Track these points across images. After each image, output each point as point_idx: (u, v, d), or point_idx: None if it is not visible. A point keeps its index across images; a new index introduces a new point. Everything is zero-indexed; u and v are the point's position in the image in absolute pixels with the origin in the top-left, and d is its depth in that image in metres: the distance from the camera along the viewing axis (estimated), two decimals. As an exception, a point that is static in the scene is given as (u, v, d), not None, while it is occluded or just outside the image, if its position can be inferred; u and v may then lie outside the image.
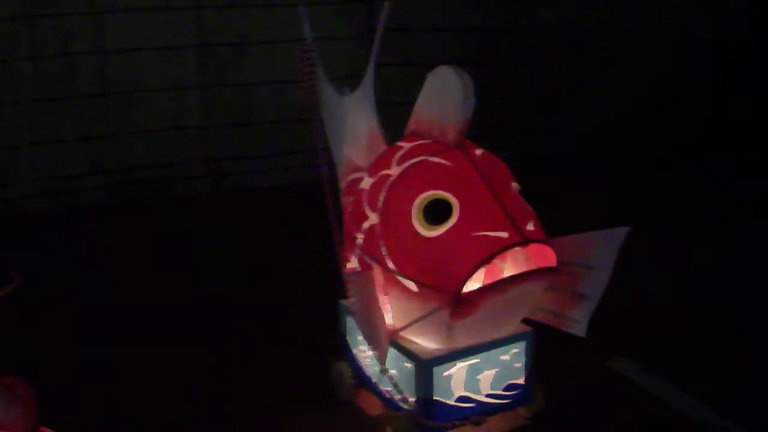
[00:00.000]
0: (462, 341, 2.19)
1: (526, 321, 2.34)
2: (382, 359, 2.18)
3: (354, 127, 2.45)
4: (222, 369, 2.79)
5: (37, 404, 1.77)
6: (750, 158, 5.26)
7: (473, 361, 2.23)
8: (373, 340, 2.16)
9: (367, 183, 2.32)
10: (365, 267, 2.25)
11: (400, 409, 2.27)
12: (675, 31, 5.51)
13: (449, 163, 2.17)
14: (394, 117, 2.54)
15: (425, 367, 2.16)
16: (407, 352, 2.22)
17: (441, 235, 2.08)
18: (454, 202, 2.09)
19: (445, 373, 2.20)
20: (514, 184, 2.22)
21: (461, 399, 2.25)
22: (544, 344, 2.35)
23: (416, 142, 2.29)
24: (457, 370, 2.21)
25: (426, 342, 2.21)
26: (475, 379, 2.25)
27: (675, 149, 5.40)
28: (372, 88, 2.48)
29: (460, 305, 2.04)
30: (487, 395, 2.29)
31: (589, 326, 2.24)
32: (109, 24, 4.54)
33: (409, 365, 2.22)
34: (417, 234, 2.11)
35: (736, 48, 5.66)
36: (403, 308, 2.19)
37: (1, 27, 4.31)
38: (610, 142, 5.36)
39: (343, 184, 2.49)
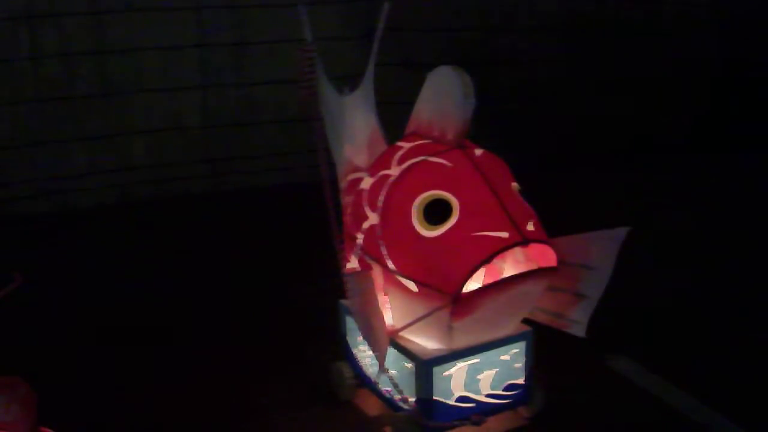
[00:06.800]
0: (462, 341, 2.19)
1: (526, 321, 2.34)
2: (381, 360, 2.18)
3: (354, 127, 2.45)
4: (221, 369, 2.79)
5: (37, 404, 1.77)
6: (750, 157, 5.26)
7: (473, 361, 2.23)
8: (371, 341, 2.16)
9: (367, 183, 2.32)
10: (365, 267, 2.25)
11: (400, 409, 2.28)
12: (675, 29, 5.51)
13: (449, 163, 2.17)
14: (394, 117, 2.54)
15: (425, 367, 2.17)
16: (407, 352, 2.22)
17: (441, 235, 2.08)
18: (454, 202, 2.10)
19: (445, 373, 2.20)
20: (514, 184, 2.22)
21: (461, 399, 2.25)
22: (544, 344, 2.36)
23: (416, 142, 2.29)
24: (457, 370, 2.21)
25: (426, 342, 2.22)
26: (475, 379, 2.25)
27: (675, 148, 5.40)
28: (372, 88, 2.48)
29: (460, 305, 2.04)
30: (487, 395, 2.29)
31: (589, 326, 2.24)
32: (109, 24, 4.54)
33: (409, 365, 2.22)
34: (417, 234, 2.11)
35: (737, 46, 5.65)
36: (403, 308, 2.19)
37: (1, 27, 4.31)
38: (610, 141, 5.36)
39: (343, 184, 2.49)
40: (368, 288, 2.17)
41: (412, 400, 2.23)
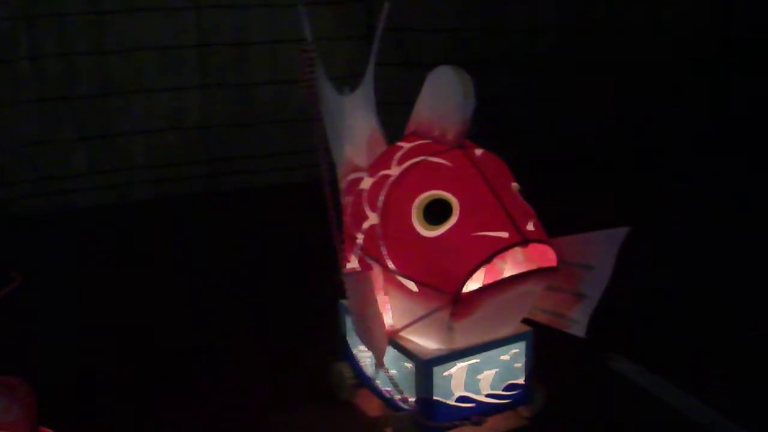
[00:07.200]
0: (462, 341, 2.19)
1: (526, 321, 2.34)
2: (378, 361, 2.17)
3: (354, 127, 2.45)
4: (221, 369, 2.79)
5: (37, 404, 1.77)
6: (751, 155, 5.26)
7: (473, 361, 2.23)
8: (368, 342, 2.16)
9: (367, 183, 2.32)
10: (365, 267, 2.25)
11: (400, 409, 2.28)
12: (675, 28, 5.51)
13: (449, 163, 2.17)
14: (394, 117, 2.54)
15: (425, 367, 2.16)
16: (407, 352, 2.22)
17: (441, 235, 2.08)
18: (454, 202, 2.10)
19: (445, 373, 2.20)
20: (514, 184, 2.22)
21: (461, 399, 2.25)
22: (544, 344, 2.36)
23: (416, 142, 2.29)
24: (457, 370, 2.21)
25: (426, 342, 2.21)
26: (475, 379, 2.25)
27: (674, 147, 5.40)
28: (372, 88, 2.48)
29: (460, 305, 2.04)
30: (487, 395, 2.29)
31: (589, 326, 2.24)
32: (109, 24, 4.54)
33: (409, 365, 2.22)
34: (417, 234, 2.11)
35: (737, 44, 5.66)
36: (403, 308, 2.19)
37: (1, 27, 4.31)
38: (610, 141, 5.36)
39: (343, 184, 2.49)
40: (366, 288, 2.17)
41: (412, 400, 2.23)
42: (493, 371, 2.28)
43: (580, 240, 2.21)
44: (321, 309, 2.74)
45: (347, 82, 2.48)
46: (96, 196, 4.69)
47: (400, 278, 2.13)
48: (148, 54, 4.65)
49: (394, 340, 2.25)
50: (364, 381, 2.49)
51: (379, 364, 2.18)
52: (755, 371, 2.73)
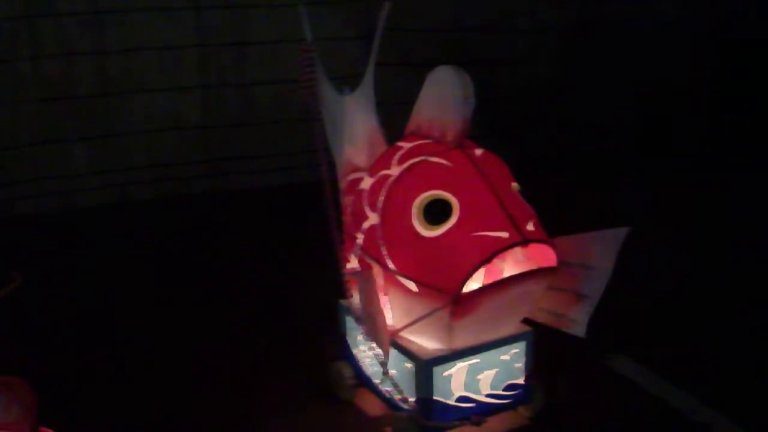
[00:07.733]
0: (462, 341, 2.19)
1: (526, 321, 2.34)
2: (385, 357, 2.18)
3: (354, 127, 2.45)
4: (221, 369, 2.79)
5: (37, 404, 1.77)
6: (750, 156, 5.26)
7: (473, 361, 2.23)
8: (376, 339, 2.16)
9: (367, 183, 2.32)
10: (365, 267, 2.25)
11: (400, 409, 2.28)
12: (676, 29, 5.51)
13: (449, 163, 2.17)
14: (394, 117, 2.54)
15: (425, 367, 2.17)
16: (407, 352, 2.22)
17: (441, 235, 2.08)
18: (454, 202, 2.10)
19: (445, 373, 2.20)
20: (514, 184, 2.22)
21: (461, 399, 2.25)
22: (544, 344, 2.36)
23: (416, 142, 2.30)
24: (457, 370, 2.21)
25: (426, 342, 2.22)
26: (475, 379, 2.25)
27: (674, 148, 5.40)
28: (372, 88, 2.48)
29: (460, 305, 2.04)
30: (487, 395, 2.29)
31: (589, 326, 2.24)
32: (109, 24, 4.54)
33: (409, 365, 2.22)
34: (417, 234, 2.11)
35: (738, 45, 5.65)
36: (403, 308, 2.19)
37: (1, 27, 4.31)
38: (610, 142, 5.36)
39: (343, 184, 2.49)
40: (373, 286, 2.17)
41: (412, 400, 2.23)
42: (493, 371, 2.28)
43: (580, 240, 2.21)
44: (321, 309, 2.74)
45: (347, 82, 2.48)
46: (96, 196, 4.69)
47: (400, 278, 2.13)
48: (148, 54, 4.65)
49: (394, 340, 2.25)
50: (364, 381, 2.49)
51: (385, 360, 2.19)
52: (755, 371, 2.73)
